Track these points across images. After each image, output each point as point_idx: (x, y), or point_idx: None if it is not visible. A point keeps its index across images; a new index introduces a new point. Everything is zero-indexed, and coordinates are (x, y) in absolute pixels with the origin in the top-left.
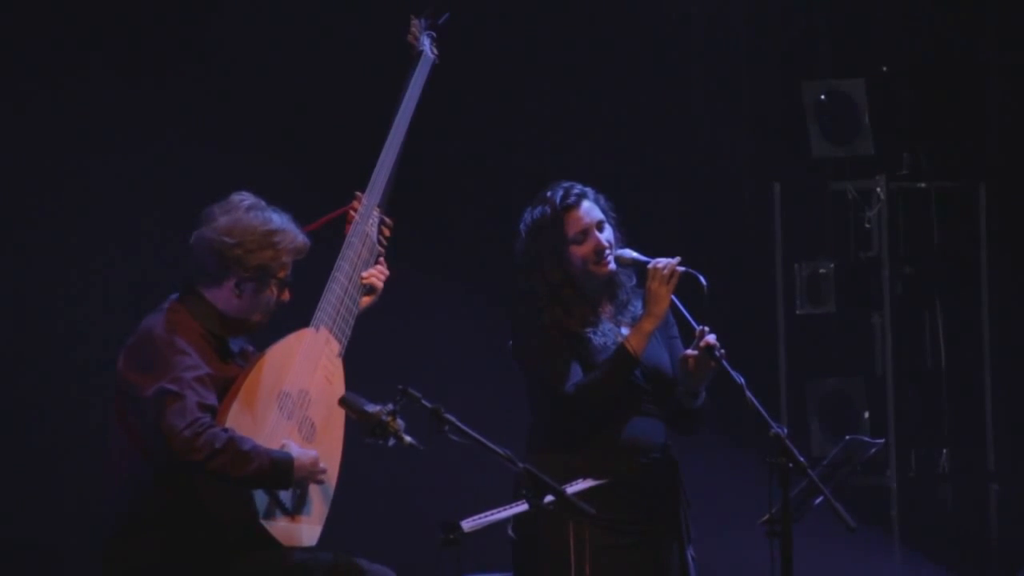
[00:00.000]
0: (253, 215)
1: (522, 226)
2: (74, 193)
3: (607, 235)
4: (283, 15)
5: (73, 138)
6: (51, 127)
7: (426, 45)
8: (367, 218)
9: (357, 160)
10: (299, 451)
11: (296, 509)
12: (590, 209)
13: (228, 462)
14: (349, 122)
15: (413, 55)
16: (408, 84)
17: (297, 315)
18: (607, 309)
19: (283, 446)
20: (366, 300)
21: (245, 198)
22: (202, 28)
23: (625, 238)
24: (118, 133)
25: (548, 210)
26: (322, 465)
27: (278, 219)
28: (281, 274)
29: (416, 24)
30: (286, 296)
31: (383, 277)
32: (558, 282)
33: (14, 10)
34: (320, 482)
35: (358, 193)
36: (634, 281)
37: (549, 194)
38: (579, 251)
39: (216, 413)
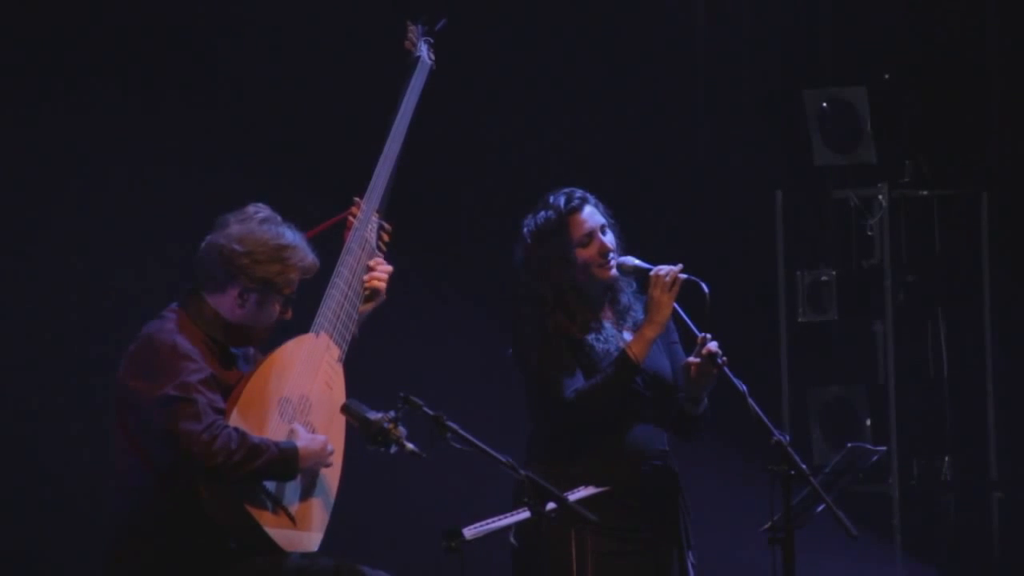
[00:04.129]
0: (266, 228)
1: (525, 231)
2: (76, 201)
3: (610, 239)
4: (280, 23)
5: (74, 144)
6: (53, 134)
7: (423, 51)
8: (366, 224)
9: (356, 166)
10: (307, 438)
11: (298, 513)
12: (592, 213)
13: (242, 459)
14: (347, 128)
15: (410, 61)
16: (405, 90)
17: (297, 321)
18: (608, 315)
19: (291, 431)
20: (370, 304)
21: (260, 210)
22: (200, 36)
23: (626, 244)
24: (119, 140)
25: (552, 214)
26: (330, 448)
27: (291, 235)
28: (286, 291)
29: (413, 30)
30: (288, 315)
31: (385, 277)
32: (564, 286)
33: (28, 21)
34: (329, 465)
35: (357, 199)
36: (635, 287)
37: (552, 199)
38: (584, 254)
39: (223, 416)
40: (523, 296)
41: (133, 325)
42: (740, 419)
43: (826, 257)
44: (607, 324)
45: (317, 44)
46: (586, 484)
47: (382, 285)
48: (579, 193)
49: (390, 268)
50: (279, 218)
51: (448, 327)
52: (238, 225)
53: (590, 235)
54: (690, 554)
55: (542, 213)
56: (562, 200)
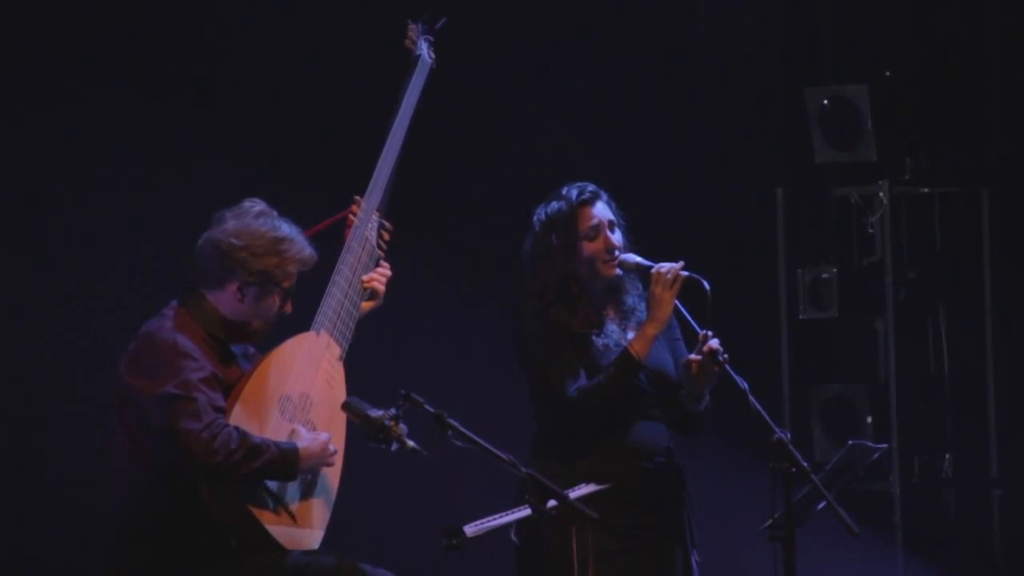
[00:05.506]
0: (262, 221)
1: (535, 220)
2: (75, 199)
3: (617, 237)
4: (281, 22)
5: (74, 143)
6: (53, 133)
7: (424, 50)
8: (367, 222)
9: (356, 164)
10: (309, 437)
11: (299, 511)
12: (603, 209)
13: (242, 458)
14: (348, 127)
15: (411, 60)
16: (406, 89)
17: (298, 319)
18: (611, 313)
19: (293, 432)
20: (368, 304)
21: (256, 204)
22: (198, 35)
23: (632, 244)
24: (118, 138)
25: (563, 205)
26: (332, 448)
27: (287, 229)
28: (285, 284)
29: (413, 29)
30: (288, 308)
31: (385, 280)
32: (567, 277)
33: (24, 20)
34: (330, 465)
35: (357, 197)
36: (640, 288)
37: (564, 191)
38: (590, 247)
39: (223, 414)
40: (527, 292)
41: (133, 323)
42: (741, 416)
43: (827, 254)
44: (610, 323)
45: (317, 43)
46: (588, 481)
47: (381, 287)
48: (591, 188)
49: (390, 272)
50: (275, 212)
51: (450, 324)
52: (234, 220)
53: (597, 229)
54: (694, 552)
55: (553, 203)
56: (574, 192)
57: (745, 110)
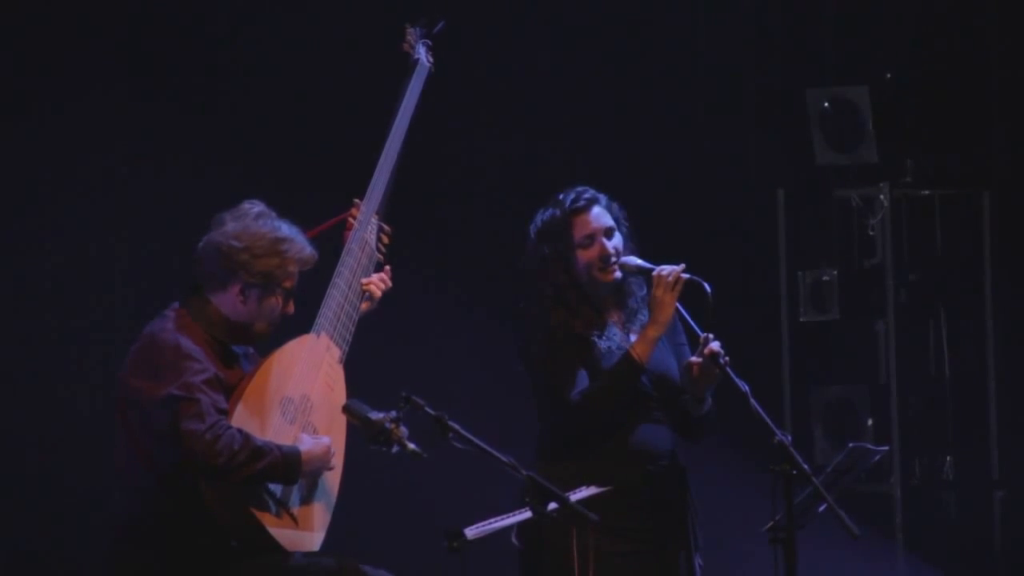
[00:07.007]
0: (262, 222)
1: (532, 227)
2: (76, 200)
3: (615, 243)
4: (280, 25)
5: (75, 144)
6: (54, 133)
7: (422, 53)
8: (366, 225)
9: (355, 167)
10: (311, 442)
11: (300, 513)
12: (600, 215)
13: (245, 460)
14: (346, 130)
15: (409, 64)
16: (404, 92)
17: (298, 321)
18: (615, 316)
19: (297, 439)
20: (364, 306)
21: (255, 205)
22: (200, 36)
23: (638, 247)
24: (119, 139)
25: (557, 213)
26: (333, 450)
27: (287, 229)
28: (287, 283)
29: (411, 33)
30: (290, 309)
31: (383, 286)
32: (563, 285)
33: (23, 19)
34: (331, 469)
35: (356, 200)
36: (644, 291)
37: (561, 197)
38: (584, 256)
39: (226, 416)
40: (529, 295)
41: (134, 325)
42: (742, 419)
43: (828, 257)
44: (613, 326)
45: (317, 46)
46: (591, 484)
47: (378, 292)
48: (588, 193)
49: (390, 283)
50: (274, 213)
51: (451, 326)
52: (234, 222)
53: (591, 237)
54: (698, 556)
55: (549, 211)
56: (569, 199)
57: (746, 111)
